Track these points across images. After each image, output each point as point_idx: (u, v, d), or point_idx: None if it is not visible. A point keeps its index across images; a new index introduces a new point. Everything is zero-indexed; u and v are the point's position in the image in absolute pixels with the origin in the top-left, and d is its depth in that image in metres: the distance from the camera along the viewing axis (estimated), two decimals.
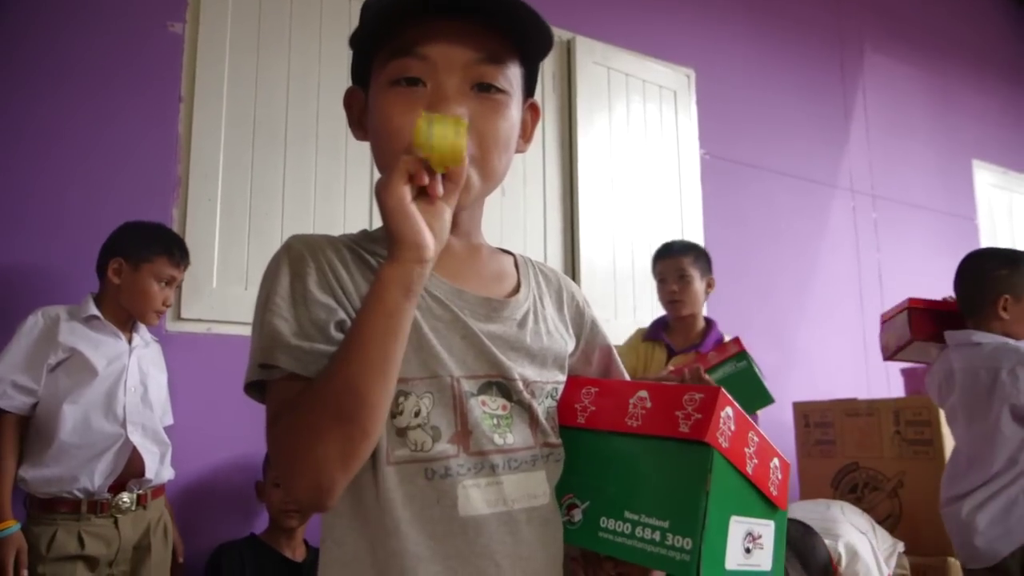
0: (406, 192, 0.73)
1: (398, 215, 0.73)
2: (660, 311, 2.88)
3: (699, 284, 2.75)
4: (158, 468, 2.11)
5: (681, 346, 2.72)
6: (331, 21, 2.84)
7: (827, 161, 4.28)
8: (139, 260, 2.10)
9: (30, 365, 1.98)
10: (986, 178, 5.14)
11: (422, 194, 0.75)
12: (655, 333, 2.80)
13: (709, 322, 2.80)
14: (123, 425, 2.04)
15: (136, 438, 2.05)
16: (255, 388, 0.83)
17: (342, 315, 0.81)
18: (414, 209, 0.74)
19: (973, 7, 5.47)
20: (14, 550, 1.88)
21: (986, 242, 4.91)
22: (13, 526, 1.90)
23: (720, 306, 3.59)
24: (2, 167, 2.29)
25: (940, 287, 2.45)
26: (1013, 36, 5.70)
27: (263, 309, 0.81)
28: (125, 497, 2.03)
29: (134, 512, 2.05)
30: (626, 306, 3.35)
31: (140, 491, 2.07)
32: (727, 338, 2.79)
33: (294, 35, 2.78)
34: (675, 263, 2.76)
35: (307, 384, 0.75)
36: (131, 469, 2.05)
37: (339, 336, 0.79)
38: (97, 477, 1.98)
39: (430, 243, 0.74)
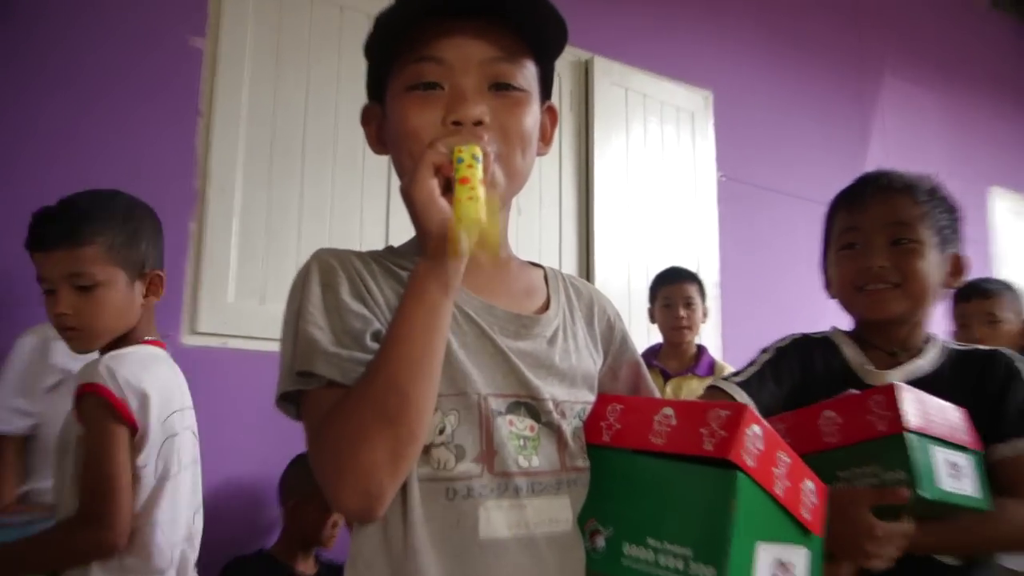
0: (435, 185, 0.72)
1: (429, 208, 0.71)
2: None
3: (700, 312, 2.78)
4: None
5: (676, 370, 2.77)
6: (350, 37, 2.83)
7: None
8: None
9: (27, 389, 1.95)
10: (1004, 205, 5.08)
11: (448, 191, 0.72)
12: (647, 361, 2.79)
13: (700, 347, 2.85)
14: None
15: None
16: (288, 402, 0.80)
17: (377, 325, 0.79)
18: (444, 202, 0.71)
19: (991, 35, 5.44)
20: None
21: (1003, 270, 4.84)
22: None
23: (736, 330, 3.54)
24: (19, 175, 2.28)
25: None
26: None
27: (296, 318, 0.78)
28: None
29: None
30: (640, 326, 3.30)
31: None
32: (719, 361, 2.79)
33: (313, 51, 2.78)
34: (682, 289, 2.81)
35: (347, 391, 0.73)
36: None
37: (374, 346, 0.76)
38: None
39: (463, 236, 0.72)
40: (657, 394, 1.03)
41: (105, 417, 1.32)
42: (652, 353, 2.86)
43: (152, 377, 1.41)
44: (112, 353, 1.40)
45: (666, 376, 2.75)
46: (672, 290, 2.81)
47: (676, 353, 2.80)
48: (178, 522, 1.42)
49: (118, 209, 1.46)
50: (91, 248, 1.39)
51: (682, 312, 2.76)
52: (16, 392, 1.95)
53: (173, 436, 1.43)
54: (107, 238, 1.41)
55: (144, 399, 1.36)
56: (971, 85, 5.14)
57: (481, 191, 0.70)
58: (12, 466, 1.94)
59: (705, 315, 2.84)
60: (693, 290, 2.80)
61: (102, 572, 1.32)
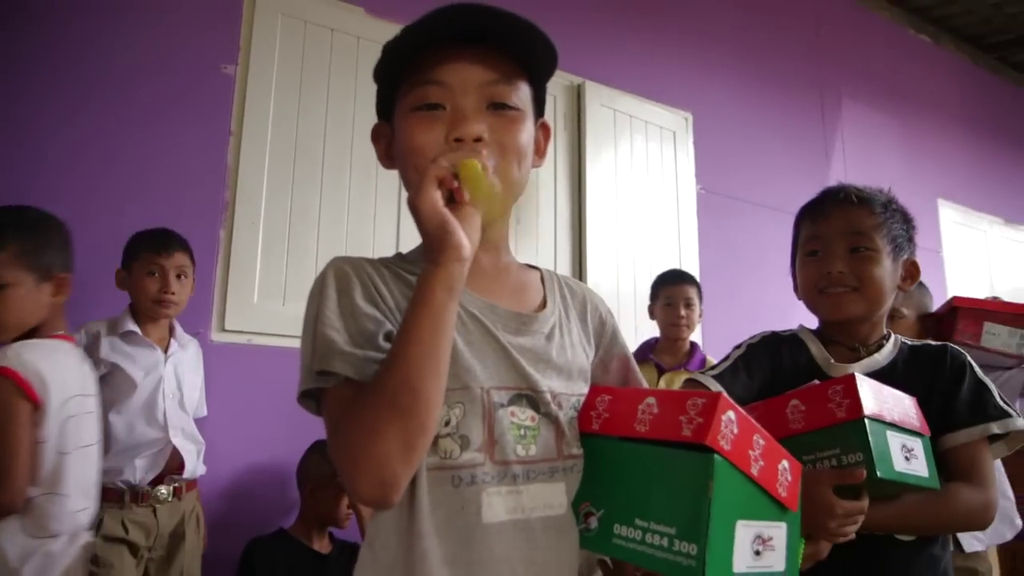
0: (438, 196, 0.71)
1: (434, 218, 0.70)
2: (658, 332, 2.83)
3: (698, 312, 2.77)
4: (195, 465, 2.08)
5: (670, 365, 2.72)
6: (366, 64, 2.82)
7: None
8: (130, 262, 2.06)
9: None
10: (950, 216, 5.09)
11: (450, 202, 0.72)
12: (643, 355, 2.79)
13: (693, 344, 2.80)
14: (165, 429, 2.01)
15: (177, 440, 2.03)
16: (309, 398, 0.79)
17: (389, 326, 0.78)
18: (448, 211, 0.70)
19: (937, 66, 5.46)
20: None
21: (951, 274, 4.84)
22: None
23: (713, 326, 3.52)
24: (69, 191, 2.27)
25: None
26: (973, 89, 5.69)
27: (315, 322, 0.77)
28: (163, 489, 2.00)
29: (171, 503, 2.01)
30: (628, 326, 3.28)
31: (176, 484, 2.03)
32: (708, 358, 2.75)
33: (332, 76, 2.77)
34: (684, 291, 2.77)
35: (363, 387, 0.71)
36: (171, 466, 2.02)
37: (387, 346, 0.75)
38: (139, 472, 1.95)
39: (466, 242, 0.71)
40: (645, 385, 1.01)
41: (11, 394, 1.38)
42: (648, 348, 2.81)
43: (53, 364, 1.46)
44: (21, 342, 1.45)
45: (660, 370, 2.70)
46: (674, 290, 2.77)
47: (672, 349, 2.75)
48: (74, 494, 1.45)
49: (26, 221, 1.52)
50: (1, 254, 1.44)
51: (682, 311, 2.72)
52: None
53: (71, 417, 1.47)
54: (15, 246, 1.46)
55: (45, 381, 1.41)
56: (919, 108, 5.16)
57: (490, 171, 0.72)
58: None
59: (701, 315, 2.80)
60: (693, 292, 2.76)
61: (4, 532, 1.36)
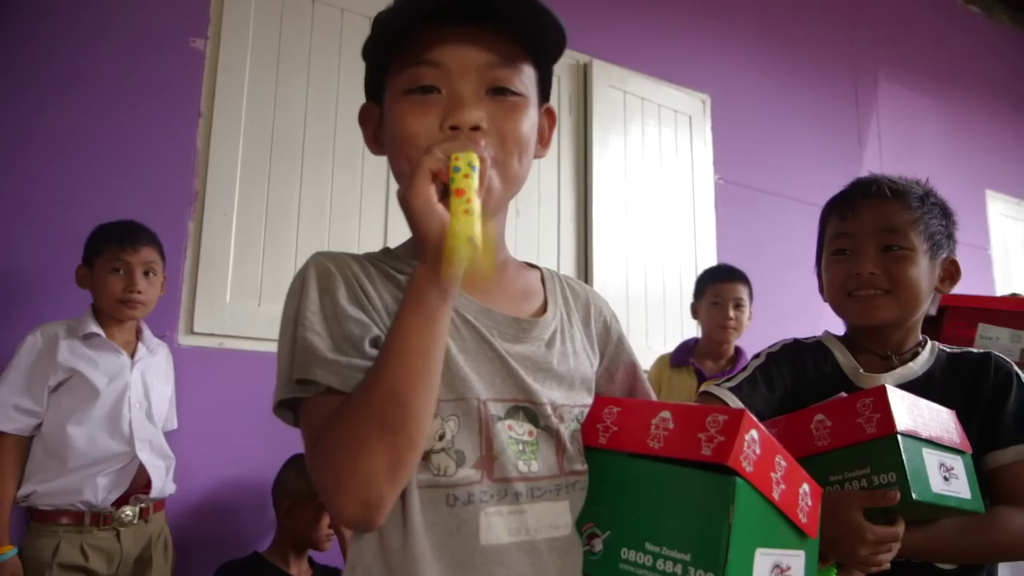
0: (432, 191, 0.70)
1: (427, 216, 0.69)
2: (672, 334, 2.82)
3: (747, 314, 2.75)
4: (164, 483, 2.08)
5: (712, 371, 2.69)
6: (350, 39, 2.83)
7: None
8: (92, 257, 2.06)
9: (30, 387, 1.95)
10: (999, 208, 5.09)
11: (445, 197, 0.71)
12: (682, 358, 2.76)
13: (738, 349, 2.77)
14: (131, 443, 2.01)
15: (144, 455, 2.03)
16: (286, 408, 0.79)
17: (376, 331, 0.78)
18: (442, 208, 0.70)
19: (985, 40, 5.45)
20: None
21: (999, 272, 4.84)
22: (9, 551, 1.88)
23: None
24: (19, 175, 2.28)
25: None
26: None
27: (294, 325, 0.77)
28: (128, 510, 2.00)
29: (136, 525, 2.01)
30: (639, 329, 3.30)
31: (143, 504, 2.03)
32: None
33: (314, 52, 2.78)
34: (734, 289, 2.74)
35: (346, 399, 0.72)
36: (137, 484, 2.02)
37: (373, 352, 0.75)
38: (101, 491, 1.95)
39: (459, 248, 0.70)
40: (653, 396, 1.02)
41: None
42: (687, 350, 2.79)
43: None
44: None
45: (701, 376, 2.69)
46: (723, 288, 2.75)
47: (715, 354, 2.74)
48: None
49: None
50: None
51: (732, 312, 2.70)
52: (19, 391, 1.94)
53: None
54: None
55: None
56: (966, 89, 5.15)
57: (476, 204, 0.69)
58: (11, 466, 1.93)
59: (750, 318, 2.78)
60: (744, 291, 2.74)
61: None
